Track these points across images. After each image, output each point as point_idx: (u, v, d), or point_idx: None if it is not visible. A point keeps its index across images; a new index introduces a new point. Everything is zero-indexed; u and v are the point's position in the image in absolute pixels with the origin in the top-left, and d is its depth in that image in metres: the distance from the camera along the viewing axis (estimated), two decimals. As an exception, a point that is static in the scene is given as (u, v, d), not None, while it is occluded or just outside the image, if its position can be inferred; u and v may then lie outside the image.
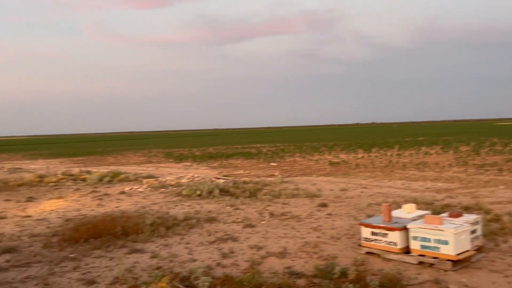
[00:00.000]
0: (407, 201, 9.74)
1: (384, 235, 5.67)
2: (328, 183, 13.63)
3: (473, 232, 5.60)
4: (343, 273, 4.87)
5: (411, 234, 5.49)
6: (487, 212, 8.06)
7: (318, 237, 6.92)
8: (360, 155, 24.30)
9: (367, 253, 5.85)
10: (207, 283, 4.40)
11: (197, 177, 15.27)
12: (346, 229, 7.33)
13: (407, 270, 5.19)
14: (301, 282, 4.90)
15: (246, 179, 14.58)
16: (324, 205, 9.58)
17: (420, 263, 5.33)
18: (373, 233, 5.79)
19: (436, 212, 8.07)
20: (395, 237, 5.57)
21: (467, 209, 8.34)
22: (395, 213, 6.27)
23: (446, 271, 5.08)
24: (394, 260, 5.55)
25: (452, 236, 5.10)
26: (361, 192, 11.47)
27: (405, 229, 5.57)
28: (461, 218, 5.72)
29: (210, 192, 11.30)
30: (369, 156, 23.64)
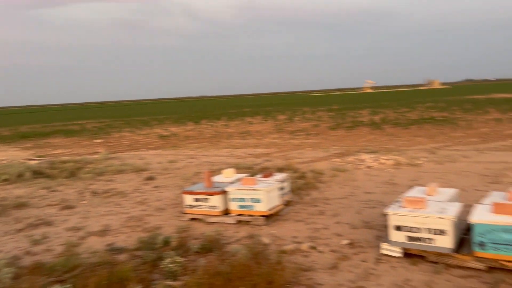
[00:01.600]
0: (230, 167, 10.35)
1: (206, 200, 5.91)
2: (157, 156, 13.48)
3: (281, 189, 6.28)
4: (166, 242, 4.92)
5: (230, 196, 5.85)
6: (295, 171, 9.14)
7: (144, 210, 6.82)
8: (190, 127, 24.69)
9: (191, 219, 6.03)
10: (9, 275, 3.90)
11: (4, 159, 13.29)
12: (172, 199, 7.40)
13: (226, 230, 5.54)
14: (122, 257, 4.77)
15: (66, 158, 13.34)
16: (151, 178, 9.46)
17: (239, 222, 5.75)
18: (196, 200, 5.98)
19: (254, 174, 8.81)
20: (215, 200, 5.86)
21: (281, 170, 9.32)
22: (216, 178, 6.59)
23: (259, 226, 5.60)
24: (216, 222, 5.85)
25: (264, 194, 5.62)
26: (189, 162, 11.70)
27: (224, 192, 5.90)
28: (272, 177, 6.34)
29: (20, 176, 9.98)
30: (198, 128, 24.20)
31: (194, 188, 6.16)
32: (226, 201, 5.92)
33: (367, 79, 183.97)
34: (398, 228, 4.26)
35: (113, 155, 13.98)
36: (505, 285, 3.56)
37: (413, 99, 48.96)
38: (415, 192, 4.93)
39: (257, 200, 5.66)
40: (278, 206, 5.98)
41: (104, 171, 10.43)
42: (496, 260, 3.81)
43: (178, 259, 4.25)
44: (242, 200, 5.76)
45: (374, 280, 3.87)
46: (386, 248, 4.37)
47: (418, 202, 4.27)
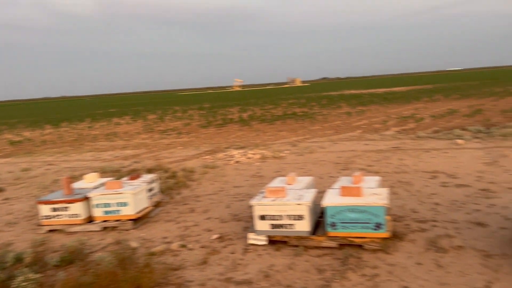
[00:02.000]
0: (95, 172, 9.71)
1: (66, 208, 5.44)
2: (7, 165, 11.94)
3: (150, 190, 6.12)
4: (18, 259, 4.40)
5: (93, 202, 5.49)
6: (166, 170, 9.00)
7: (-10, 226, 5.98)
8: (47, 131, 22.43)
9: (49, 231, 5.50)
10: None
11: None
12: (26, 212, 6.64)
13: (91, 239, 5.19)
14: (-38, 283, 4.12)
15: None
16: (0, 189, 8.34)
17: (104, 228, 5.43)
18: (54, 209, 5.47)
19: (122, 177, 8.42)
20: (77, 208, 5.44)
21: (151, 171, 9.07)
22: (77, 184, 6.12)
23: (128, 230, 5.38)
24: (79, 232, 5.44)
25: (130, 197, 5.41)
26: (47, 169, 10.63)
27: (86, 198, 5.51)
28: (139, 179, 6.13)
29: None
30: (57, 131, 22.13)
31: (51, 197, 5.62)
32: (89, 208, 5.53)
33: (236, 78, 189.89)
34: (263, 217, 4.50)
35: (-51, 167, 11.94)
36: (353, 258, 4.04)
37: (278, 96, 52.13)
38: (277, 182, 5.27)
39: (124, 204, 5.42)
40: (147, 208, 5.81)
41: None
42: (345, 238, 4.29)
43: (33, 275, 3.84)
44: (107, 205, 5.46)
45: (241, 269, 4.03)
46: (252, 238, 4.58)
47: (279, 192, 4.58)
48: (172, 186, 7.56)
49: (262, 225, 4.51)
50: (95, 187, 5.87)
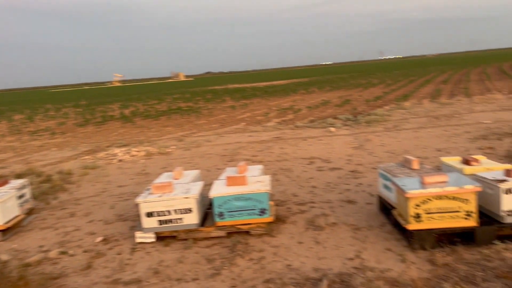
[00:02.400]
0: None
1: None
2: None
3: (21, 196, 5.55)
4: None
5: (-51, 216, 4.78)
6: (39, 174, 8.23)
7: None
8: None
9: None
10: None
11: None
12: None
13: None
14: None
15: None
16: None
17: (-35, 244, 4.78)
18: None
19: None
20: None
21: (20, 176, 8.20)
22: None
23: (-5, 243, 4.82)
24: None
25: (-3, 206, 4.84)
26: None
27: None
28: (6, 185, 5.51)
29: None
30: None
31: None
32: None
33: (115, 73, 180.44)
34: (149, 214, 4.41)
35: None
36: (241, 245, 4.20)
37: (162, 91, 50.96)
38: (164, 178, 5.21)
39: (-11, 214, 4.83)
40: (17, 216, 5.26)
41: None
42: (233, 226, 4.44)
43: None
44: (-32, 217, 4.81)
45: (129, 269, 3.91)
46: (139, 236, 4.47)
47: (165, 187, 4.53)
48: (47, 190, 6.95)
49: (149, 222, 4.43)
50: (-49, 199, 5.11)
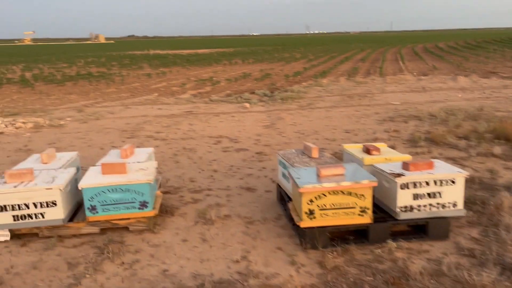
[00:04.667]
0: None
1: None
2: None
3: None
4: None
5: None
6: None
7: None
8: None
9: None
10: None
11: None
12: None
13: None
14: None
15: None
16: None
17: None
18: None
19: None
20: None
21: None
22: None
23: None
24: None
25: None
26: None
27: None
28: None
29: None
30: None
31: None
32: None
33: (25, 31, 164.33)
34: (2, 208, 3.62)
35: None
36: (114, 244, 3.60)
37: (76, 53, 47.14)
38: (29, 162, 4.38)
39: None
40: None
41: None
42: (108, 221, 3.81)
43: None
44: None
45: (-35, 280, 3.15)
46: (-10, 235, 3.67)
47: (23, 175, 3.74)
48: None
49: (2, 218, 3.64)
50: None
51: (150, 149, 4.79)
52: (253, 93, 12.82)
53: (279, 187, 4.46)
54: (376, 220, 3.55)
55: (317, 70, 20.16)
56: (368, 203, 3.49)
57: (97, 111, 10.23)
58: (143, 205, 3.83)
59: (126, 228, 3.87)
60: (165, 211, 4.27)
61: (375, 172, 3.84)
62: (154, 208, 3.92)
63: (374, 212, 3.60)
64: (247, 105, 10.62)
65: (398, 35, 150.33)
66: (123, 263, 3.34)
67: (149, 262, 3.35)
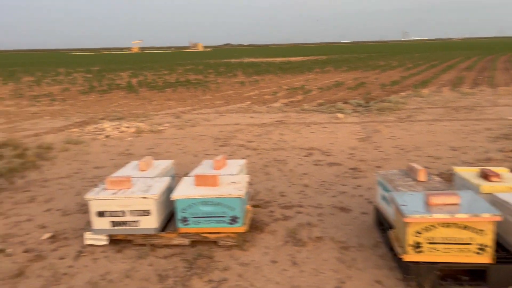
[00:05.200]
0: None
1: None
2: None
3: (-26, 176, 4.96)
4: None
5: None
6: (17, 147, 7.65)
7: None
8: None
9: None
10: None
11: None
12: None
13: None
14: None
15: None
16: None
17: None
18: None
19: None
20: None
21: (-1, 147, 7.66)
22: None
23: None
24: None
25: None
26: None
27: None
28: (-41, 163, 4.92)
29: None
30: None
31: None
32: None
33: (134, 40, 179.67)
34: (101, 214, 3.76)
35: None
36: (203, 259, 3.53)
37: (176, 61, 50.13)
38: (129, 169, 4.53)
39: None
40: (-34, 199, 4.67)
41: None
42: (198, 234, 3.77)
43: None
44: None
45: (66, 281, 3.28)
46: (89, 238, 3.83)
47: (122, 182, 3.85)
48: (17, 167, 6.34)
49: (101, 223, 3.78)
50: None
51: (242, 161, 4.70)
52: (346, 102, 12.34)
53: (377, 210, 4.07)
54: (498, 260, 3.02)
55: (417, 79, 18.91)
56: (488, 240, 2.98)
57: (193, 118, 10.59)
58: (234, 220, 3.72)
59: (215, 242, 3.79)
60: (254, 226, 4.13)
61: (496, 203, 3.29)
62: (244, 223, 3.79)
63: (495, 250, 3.07)
64: (340, 115, 10.21)
65: (507, 41, 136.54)
66: (210, 280, 3.24)
67: (237, 283, 3.20)
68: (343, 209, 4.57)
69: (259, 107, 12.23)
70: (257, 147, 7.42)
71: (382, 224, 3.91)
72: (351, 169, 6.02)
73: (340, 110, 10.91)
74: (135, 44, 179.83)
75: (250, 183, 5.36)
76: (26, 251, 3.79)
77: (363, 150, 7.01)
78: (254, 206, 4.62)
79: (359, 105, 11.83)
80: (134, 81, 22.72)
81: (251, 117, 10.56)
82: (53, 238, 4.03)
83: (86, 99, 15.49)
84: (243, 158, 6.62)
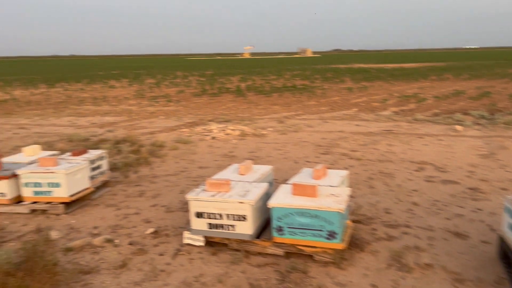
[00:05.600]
0: (62, 139, 9.07)
1: (-10, 186, 4.78)
2: (-23, 126, 11.32)
3: (95, 168, 5.45)
4: None
5: (23, 180, 4.83)
6: (134, 143, 8.31)
7: None
8: (38, 91, 21.74)
9: (-27, 210, 4.87)
10: None
11: None
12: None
13: (14, 223, 4.56)
14: None
15: None
16: (-49, 155, 7.71)
17: (33, 211, 4.79)
18: (-23, 187, 4.81)
19: (92, 147, 7.76)
20: (3, 187, 4.78)
21: (119, 142, 8.40)
22: (12, 158, 5.46)
23: (58, 215, 4.73)
24: (4, 213, 4.81)
25: (63, 177, 4.73)
26: (15, 133, 10.00)
27: (15, 176, 4.85)
28: (83, 155, 5.44)
29: None
30: (48, 91, 21.43)
31: (-22, 172, 4.96)
32: (18, 186, 4.88)
33: (246, 46, 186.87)
34: (199, 215, 3.81)
35: None
36: (297, 273, 3.35)
37: (285, 66, 50.78)
38: (229, 171, 4.55)
39: (56, 185, 4.76)
40: (87, 189, 5.14)
41: None
42: (294, 245, 3.60)
43: None
44: (38, 185, 4.80)
45: (162, 279, 3.37)
46: (187, 237, 3.91)
47: (221, 185, 3.86)
48: (132, 162, 6.87)
49: (199, 224, 3.83)
50: (30, 163, 5.19)
51: (344, 172, 4.41)
52: (466, 114, 11.14)
53: (502, 240, 3.49)
54: None
55: (556, 90, 16.40)
56: None
57: (296, 123, 10.49)
58: (331, 235, 3.48)
59: (310, 256, 3.58)
60: (354, 244, 3.83)
61: None
62: (342, 240, 3.52)
63: None
64: (459, 127, 9.23)
65: None
66: (303, 297, 3.05)
67: (331, 304, 2.96)
68: (458, 235, 4.02)
69: (366, 115, 11.67)
70: (361, 157, 7.01)
71: (508, 258, 3.33)
72: (470, 189, 5.33)
73: (459, 122, 9.87)
74: (246, 50, 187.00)
75: (352, 196, 5.04)
76: (130, 244, 4.00)
77: (486, 169, 6.19)
78: (354, 221, 4.31)
79: (482, 117, 10.59)
80: (243, 85, 23.47)
81: (357, 125, 10.10)
82: (155, 234, 4.20)
83: (198, 101, 16.37)
84: (345, 168, 6.30)
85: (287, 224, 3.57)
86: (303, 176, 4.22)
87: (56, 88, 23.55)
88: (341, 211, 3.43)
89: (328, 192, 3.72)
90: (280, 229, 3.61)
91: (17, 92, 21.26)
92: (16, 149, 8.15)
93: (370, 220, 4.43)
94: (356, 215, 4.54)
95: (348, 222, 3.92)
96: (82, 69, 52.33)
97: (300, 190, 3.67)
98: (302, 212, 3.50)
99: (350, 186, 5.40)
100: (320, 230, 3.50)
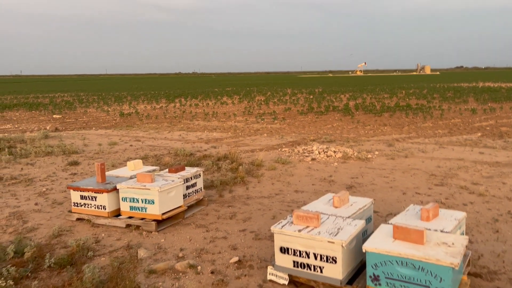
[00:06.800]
0: (169, 153, 9.49)
1: (93, 198, 5.03)
2: (102, 136, 12.52)
3: (190, 186, 5.44)
4: (18, 252, 4.06)
5: (121, 195, 4.99)
6: (234, 160, 8.29)
7: (36, 204, 5.92)
8: (159, 106, 23.63)
9: (78, 219, 5.17)
10: None
11: None
12: (78, 191, 6.52)
13: (110, 236, 4.70)
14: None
15: None
16: (75, 163, 8.54)
17: (128, 225, 4.91)
18: (82, 197, 5.11)
19: (190, 164, 7.96)
20: (103, 199, 4.99)
21: (220, 159, 8.48)
22: (117, 171, 5.72)
23: (150, 232, 4.77)
24: (104, 225, 5.01)
25: (157, 195, 4.77)
26: (131, 146, 10.79)
27: (115, 189, 5.03)
28: (180, 172, 5.48)
29: None
30: (167, 106, 23.16)
31: (82, 183, 5.26)
32: (117, 200, 5.06)
33: (360, 64, 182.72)
34: (284, 250, 3.44)
35: (53, 134, 12.98)
36: (393, 335, 2.77)
37: (399, 84, 48.18)
38: (321, 202, 4.11)
39: (151, 202, 4.81)
40: (180, 207, 5.13)
41: (29, 153, 9.47)
42: (391, 299, 3.03)
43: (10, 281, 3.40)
44: (135, 200, 4.91)
45: (238, 319, 3.06)
46: (271, 273, 3.56)
47: (310, 219, 3.45)
48: (229, 181, 6.80)
49: (283, 260, 3.46)
50: (131, 177, 5.37)
51: (461, 214, 3.67)
52: None
53: None
54: None
55: None
56: None
57: (407, 147, 9.54)
58: (440, 295, 2.83)
59: (412, 316, 2.96)
60: (470, 306, 3.10)
61: None
62: (455, 302, 2.85)
63: None
64: None
65: None
66: None
67: None
68: None
69: (492, 141, 10.19)
70: (484, 193, 5.97)
71: None
72: None
73: None
74: (359, 67, 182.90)
75: (470, 241, 4.22)
76: (212, 272, 3.78)
77: None
78: (472, 274, 3.54)
79: None
80: (351, 103, 22.63)
81: (481, 153, 8.81)
82: (239, 263, 3.94)
83: (303, 119, 16.10)
84: (464, 205, 5.40)
85: (385, 273, 3.02)
86: (409, 216, 3.60)
87: (174, 103, 25.36)
88: (455, 266, 2.77)
89: (439, 240, 3.07)
90: (376, 278, 3.07)
91: (141, 106, 23.36)
92: (128, 160, 8.72)
93: (493, 275, 3.61)
94: (475, 266, 3.74)
95: (464, 277, 3.20)
96: (201, 86, 56.01)
97: (403, 234, 3.09)
98: (404, 262, 2.92)
99: (469, 228, 4.56)
100: (427, 286, 2.87)
